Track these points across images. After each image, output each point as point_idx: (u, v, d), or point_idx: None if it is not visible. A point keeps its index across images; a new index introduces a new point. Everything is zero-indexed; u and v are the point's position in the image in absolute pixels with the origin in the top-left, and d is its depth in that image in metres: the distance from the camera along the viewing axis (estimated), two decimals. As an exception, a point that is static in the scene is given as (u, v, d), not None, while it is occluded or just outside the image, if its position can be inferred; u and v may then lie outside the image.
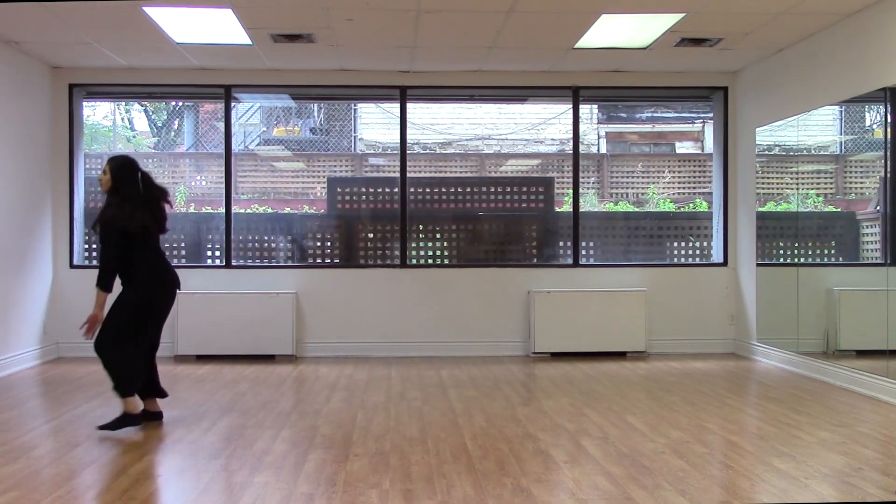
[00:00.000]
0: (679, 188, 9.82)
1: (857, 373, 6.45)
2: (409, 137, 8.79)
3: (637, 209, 9.66)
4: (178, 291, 5.43)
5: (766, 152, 8.22)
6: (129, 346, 5.15)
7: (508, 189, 9.08)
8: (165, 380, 7.00)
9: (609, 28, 6.94)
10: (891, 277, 6.17)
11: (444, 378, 7.08)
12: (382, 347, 8.40)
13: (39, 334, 7.95)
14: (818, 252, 7.70)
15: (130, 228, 5.09)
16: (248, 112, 10.86)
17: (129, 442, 4.80)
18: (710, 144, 9.71)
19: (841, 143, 7.79)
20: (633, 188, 9.94)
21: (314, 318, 8.42)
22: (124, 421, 5.05)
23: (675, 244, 9.11)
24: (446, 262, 8.84)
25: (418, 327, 8.49)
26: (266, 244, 8.83)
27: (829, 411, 5.66)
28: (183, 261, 8.73)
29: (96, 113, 10.91)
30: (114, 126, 11.48)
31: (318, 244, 8.91)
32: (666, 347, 8.51)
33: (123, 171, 5.23)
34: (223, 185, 8.62)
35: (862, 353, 6.84)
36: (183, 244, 8.78)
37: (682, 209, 9.56)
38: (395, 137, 8.81)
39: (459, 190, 9.04)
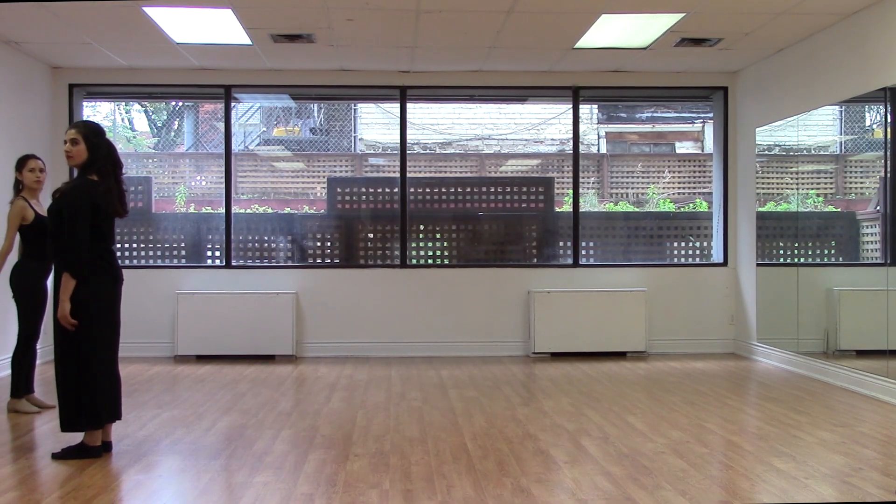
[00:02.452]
0: (679, 188, 9.82)
1: (857, 373, 6.45)
2: (409, 137, 8.78)
3: (637, 209, 9.66)
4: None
5: (766, 152, 8.22)
6: (94, 361, 4.43)
7: (508, 189, 9.08)
8: (165, 380, 7.03)
9: (609, 28, 6.94)
10: (891, 277, 6.17)
11: (444, 378, 7.08)
12: (382, 347, 8.40)
13: (40, 335, 7.93)
14: (818, 252, 7.70)
15: (109, 211, 4.46)
16: (248, 112, 10.86)
17: (128, 442, 4.79)
18: (710, 144, 9.71)
19: (841, 143, 7.79)
20: (633, 188, 9.94)
21: (314, 318, 8.42)
22: (81, 452, 4.46)
23: (675, 244, 9.11)
24: (446, 262, 8.84)
25: (418, 327, 8.48)
26: (266, 244, 8.83)
27: (829, 411, 5.66)
28: (183, 261, 8.73)
29: (97, 113, 10.91)
30: (114, 126, 11.48)
31: (318, 244, 8.91)
32: (666, 347, 8.51)
33: (100, 140, 4.49)
34: (223, 186, 8.62)
35: (862, 353, 6.84)
36: (183, 244, 8.78)
37: (682, 209, 9.56)
38: (395, 137, 8.81)
39: (459, 190, 9.04)
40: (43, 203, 5.53)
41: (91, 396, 4.40)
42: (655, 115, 11.46)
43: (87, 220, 4.35)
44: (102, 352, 4.46)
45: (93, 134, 4.51)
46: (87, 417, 4.41)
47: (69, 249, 4.33)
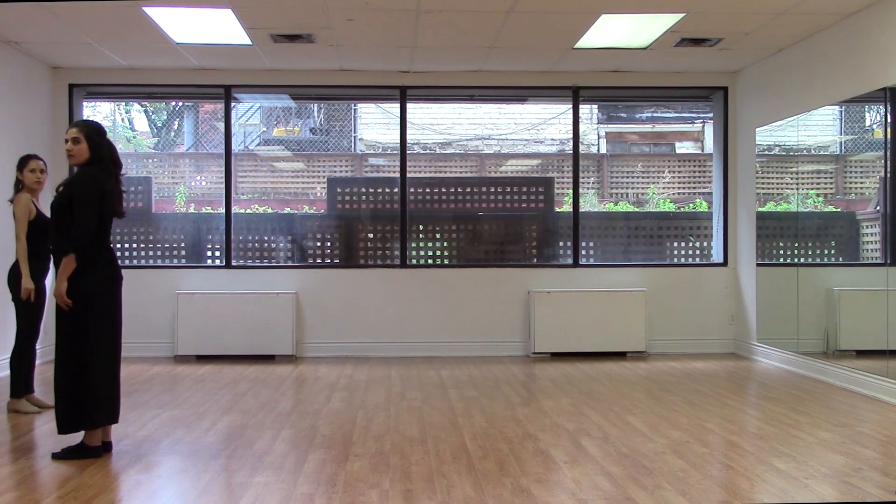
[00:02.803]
0: (679, 188, 9.82)
1: (857, 373, 6.45)
2: (409, 137, 8.78)
3: (637, 209, 9.66)
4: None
5: (766, 152, 8.22)
6: (95, 360, 4.42)
7: (508, 189, 9.08)
8: (165, 380, 7.03)
9: (609, 28, 6.94)
10: (891, 277, 6.17)
11: (444, 378, 7.08)
12: (382, 347, 8.40)
13: (40, 334, 7.93)
14: (818, 252, 7.70)
15: (113, 206, 4.47)
16: (248, 112, 10.86)
17: (128, 442, 4.79)
18: (710, 144, 9.71)
19: (841, 143, 7.79)
20: (633, 188, 9.94)
21: (314, 318, 8.42)
22: (81, 452, 4.46)
23: (675, 244, 9.11)
24: (446, 262, 8.84)
25: (418, 327, 8.48)
26: (266, 244, 8.83)
27: (829, 411, 5.66)
28: (183, 261, 8.73)
29: (97, 113, 10.91)
30: (114, 126, 11.48)
31: (318, 244, 8.91)
32: (666, 347, 8.51)
33: (101, 139, 4.51)
34: (223, 186, 8.62)
35: (862, 353, 6.84)
36: (183, 244, 8.78)
37: (682, 209, 9.56)
38: (395, 137, 8.81)
39: (459, 190, 9.04)
40: (43, 204, 5.52)
41: (92, 395, 4.39)
42: (655, 115, 11.47)
43: (95, 205, 4.38)
44: (103, 350, 4.46)
45: (94, 133, 4.51)
46: (88, 417, 4.41)
47: (76, 229, 4.32)
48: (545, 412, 5.65)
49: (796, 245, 7.63)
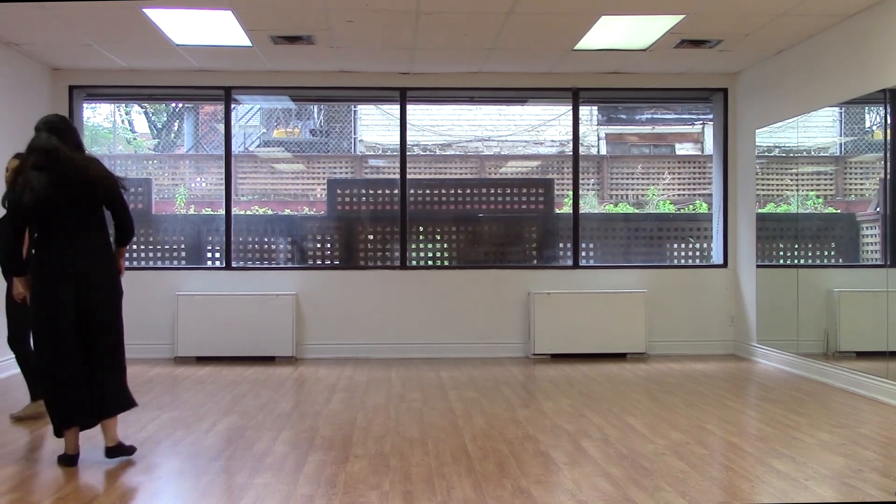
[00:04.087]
0: (679, 190, 9.82)
1: (857, 374, 6.45)
2: (409, 139, 8.79)
3: (637, 211, 9.67)
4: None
5: (766, 154, 8.22)
6: (45, 360, 4.25)
7: (508, 191, 9.09)
8: (165, 381, 7.03)
9: (609, 29, 6.94)
10: (891, 279, 6.17)
11: (444, 379, 7.08)
12: (382, 349, 8.40)
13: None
14: (818, 253, 7.70)
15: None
16: (248, 114, 10.87)
17: (128, 443, 4.78)
18: (709, 146, 9.71)
19: (841, 144, 7.79)
20: (633, 190, 9.94)
21: (314, 319, 8.42)
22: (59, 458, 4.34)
23: (675, 246, 9.11)
24: (446, 263, 8.84)
25: (418, 329, 8.48)
26: (266, 246, 8.83)
27: (829, 413, 5.66)
28: (183, 262, 8.74)
29: (97, 114, 10.92)
30: (114, 128, 11.49)
31: (318, 246, 8.91)
32: (666, 349, 8.51)
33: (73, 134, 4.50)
34: (223, 187, 8.63)
35: (862, 355, 6.84)
36: (183, 245, 8.79)
37: (681, 211, 9.56)
38: (395, 139, 8.81)
39: (459, 191, 9.04)
40: None
41: (48, 397, 4.27)
42: (655, 116, 11.47)
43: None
44: (43, 349, 4.23)
45: (64, 129, 4.54)
46: (53, 419, 4.29)
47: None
48: (545, 413, 5.65)
49: (796, 246, 7.64)
